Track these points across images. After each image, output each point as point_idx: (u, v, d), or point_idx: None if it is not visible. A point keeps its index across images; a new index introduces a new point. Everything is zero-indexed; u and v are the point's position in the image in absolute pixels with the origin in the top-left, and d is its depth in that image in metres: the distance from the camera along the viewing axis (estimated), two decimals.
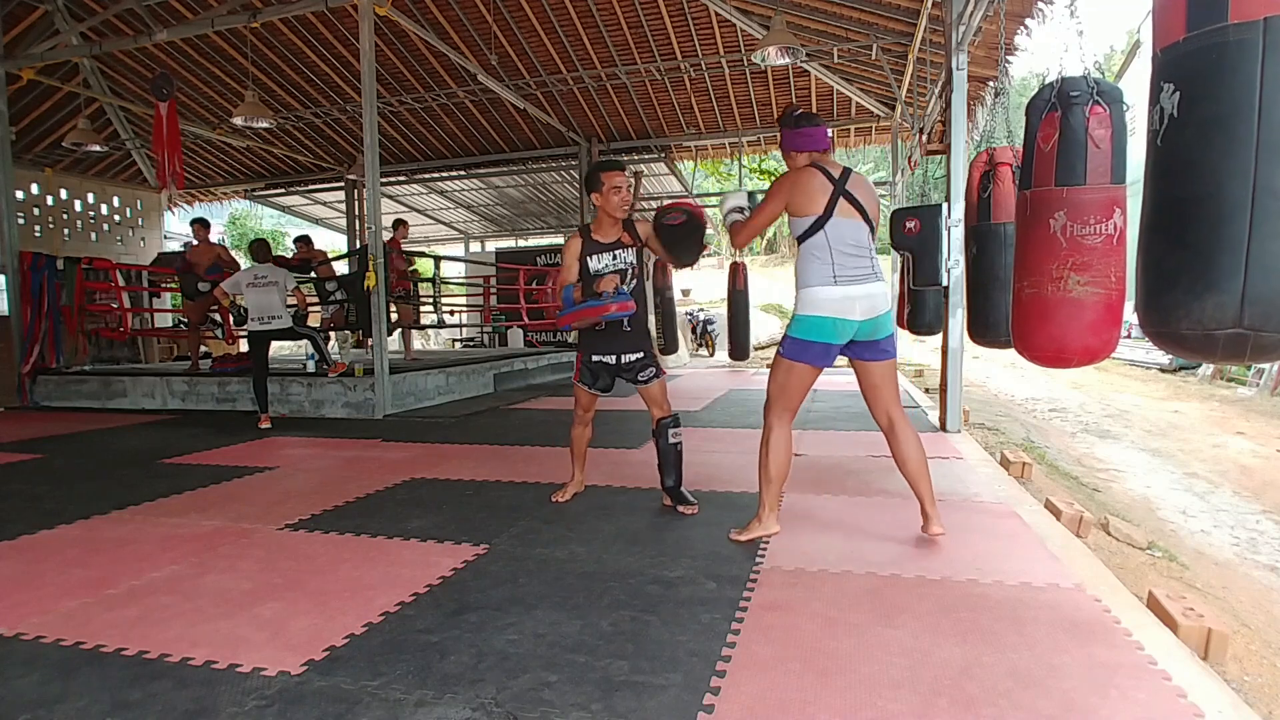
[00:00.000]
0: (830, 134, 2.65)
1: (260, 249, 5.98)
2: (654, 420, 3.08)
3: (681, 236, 2.90)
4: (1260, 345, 1.53)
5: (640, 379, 3.07)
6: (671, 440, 3.05)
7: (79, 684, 1.72)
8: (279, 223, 28.37)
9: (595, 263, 3.00)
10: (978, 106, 7.45)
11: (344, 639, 1.93)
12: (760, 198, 2.73)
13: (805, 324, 2.52)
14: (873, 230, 2.59)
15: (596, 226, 3.04)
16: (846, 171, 2.54)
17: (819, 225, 2.49)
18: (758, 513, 2.71)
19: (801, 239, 2.53)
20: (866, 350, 2.58)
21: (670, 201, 3.04)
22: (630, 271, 3.01)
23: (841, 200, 2.50)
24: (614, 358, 3.05)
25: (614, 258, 2.99)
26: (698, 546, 2.64)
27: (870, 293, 2.51)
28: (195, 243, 7.39)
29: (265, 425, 5.71)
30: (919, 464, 2.62)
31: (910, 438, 2.62)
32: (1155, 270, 1.67)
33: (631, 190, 3.00)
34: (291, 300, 5.79)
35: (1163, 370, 13.10)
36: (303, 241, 8.23)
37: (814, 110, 10.30)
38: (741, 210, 2.78)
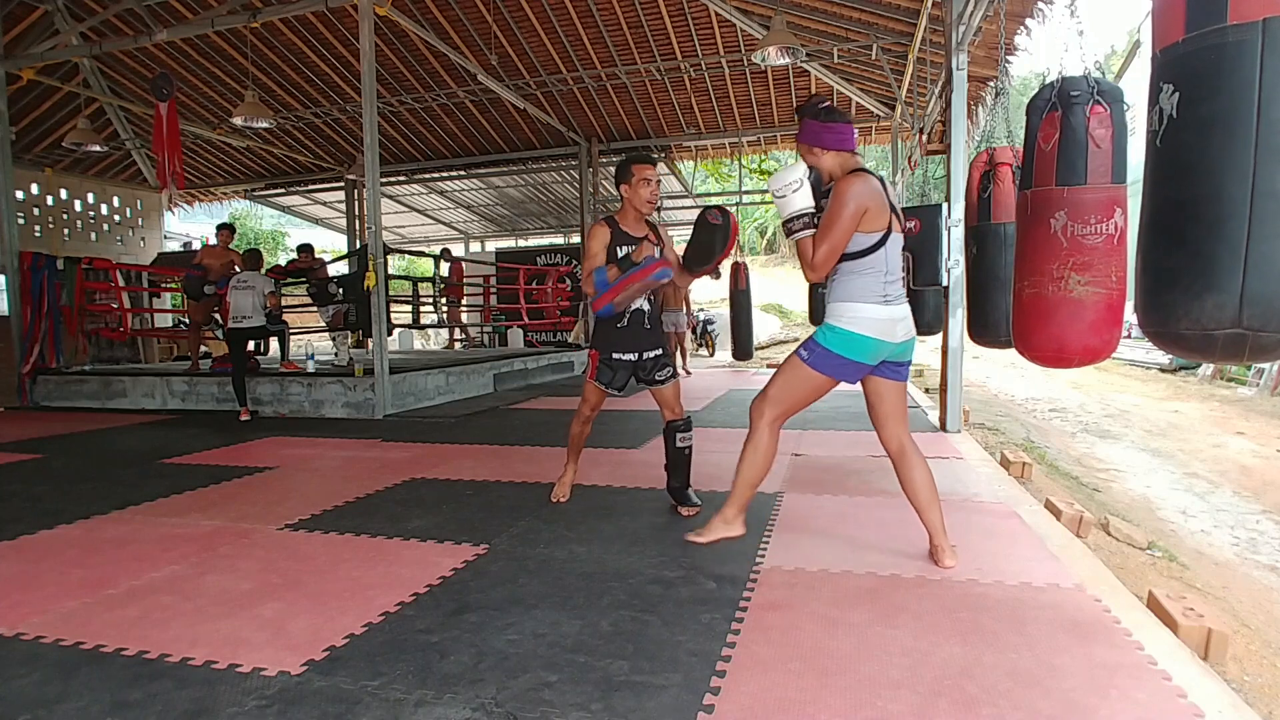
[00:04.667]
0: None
1: (250, 258, 6.50)
2: (665, 421, 3.05)
3: (715, 237, 2.74)
4: (1259, 345, 1.53)
5: (658, 378, 3.01)
6: (680, 444, 3.01)
7: (79, 684, 1.72)
8: (279, 223, 28.34)
9: (625, 252, 2.92)
10: (978, 106, 7.45)
11: (344, 639, 1.93)
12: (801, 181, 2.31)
13: (843, 339, 2.32)
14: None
15: (622, 218, 2.96)
16: (883, 179, 2.35)
17: (882, 243, 2.28)
18: (723, 512, 2.56)
19: (859, 255, 2.29)
20: (890, 370, 2.42)
21: (713, 206, 2.84)
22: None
23: (892, 214, 2.33)
24: (636, 355, 2.99)
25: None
26: (698, 546, 2.63)
27: (907, 313, 2.39)
28: (212, 243, 7.47)
29: (245, 418, 6.11)
30: (929, 492, 2.42)
31: (921, 465, 2.43)
32: (1154, 270, 1.67)
33: (660, 185, 2.90)
34: (268, 303, 6.28)
35: (1163, 370, 13.09)
36: (305, 250, 8.34)
37: None
38: (809, 214, 2.30)
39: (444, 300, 11.42)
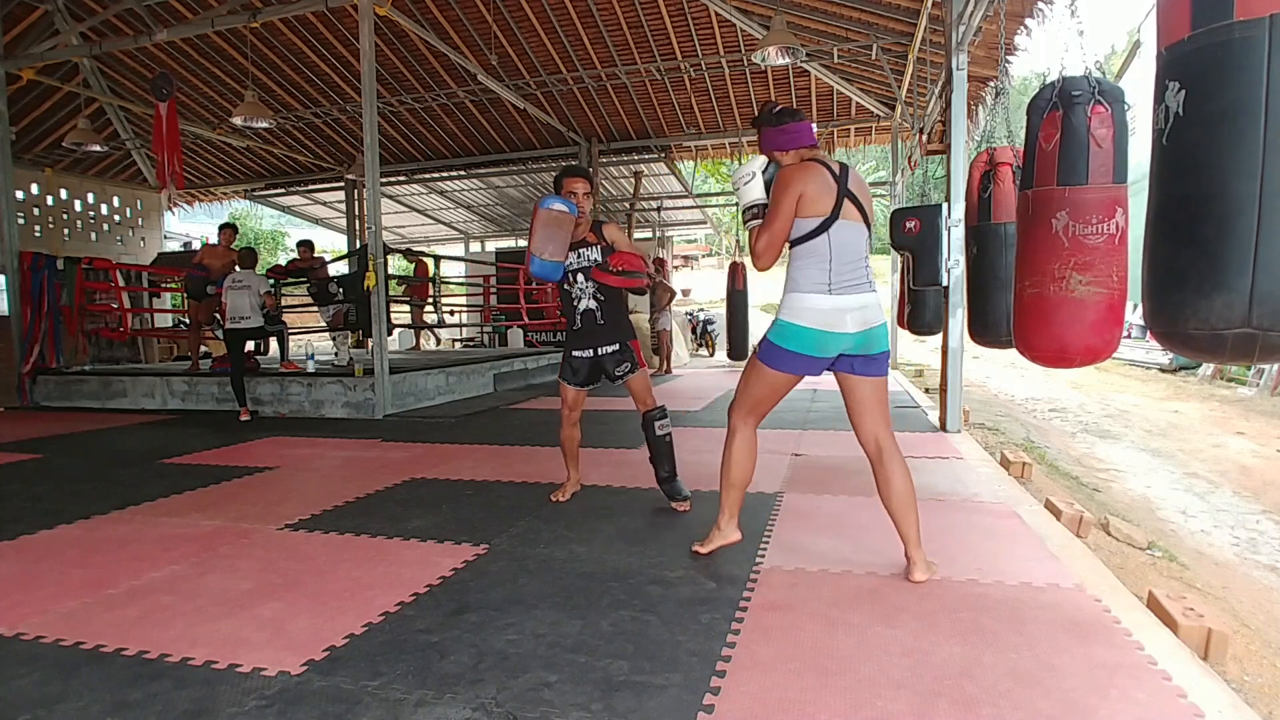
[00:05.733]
0: (817, 131, 2.41)
1: (245, 256, 6.51)
2: (640, 414, 3.13)
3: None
4: (1269, 345, 1.52)
5: (617, 374, 3.12)
6: (659, 432, 3.09)
7: (79, 684, 1.72)
8: (279, 223, 28.36)
9: (570, 260, 3.07)
10: (978, 106, 7.45)
11: (344, 639, 1.93)
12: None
13: (789, 332, 2.28)
14: (870, 234, 2.35)
15: None
16: (845, 168, 2.29)
17: (824, 228, 2.23)
18: (717, 520, 2.53)
19: (800, 241, 2.27)
20: (858, 365, 2.30)
21: (620, 260, 3.01)
22: (595, 268, 3.08)
23: (845, 201, 2.25)
24: (591, 351, 3.12)
25: (579, 255, 3.06)
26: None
27: (865, 303, 2.27)
28: (214, 243, 7.48)
29: (245, 418, 6.13)
30: (906, 498, 2.29)
31: (899, 468, 2.30)
32: (1161, 270, 1.66)
33: (589, 197, 3.08)
34: (265, 303, 6.29)
35: (1163, 370, 13.09)
36: (305, 246, 8.31)
37: (812, 109, 10.32)
38: (760, 205, 2.33)
39: (407, 301, 11.39)
